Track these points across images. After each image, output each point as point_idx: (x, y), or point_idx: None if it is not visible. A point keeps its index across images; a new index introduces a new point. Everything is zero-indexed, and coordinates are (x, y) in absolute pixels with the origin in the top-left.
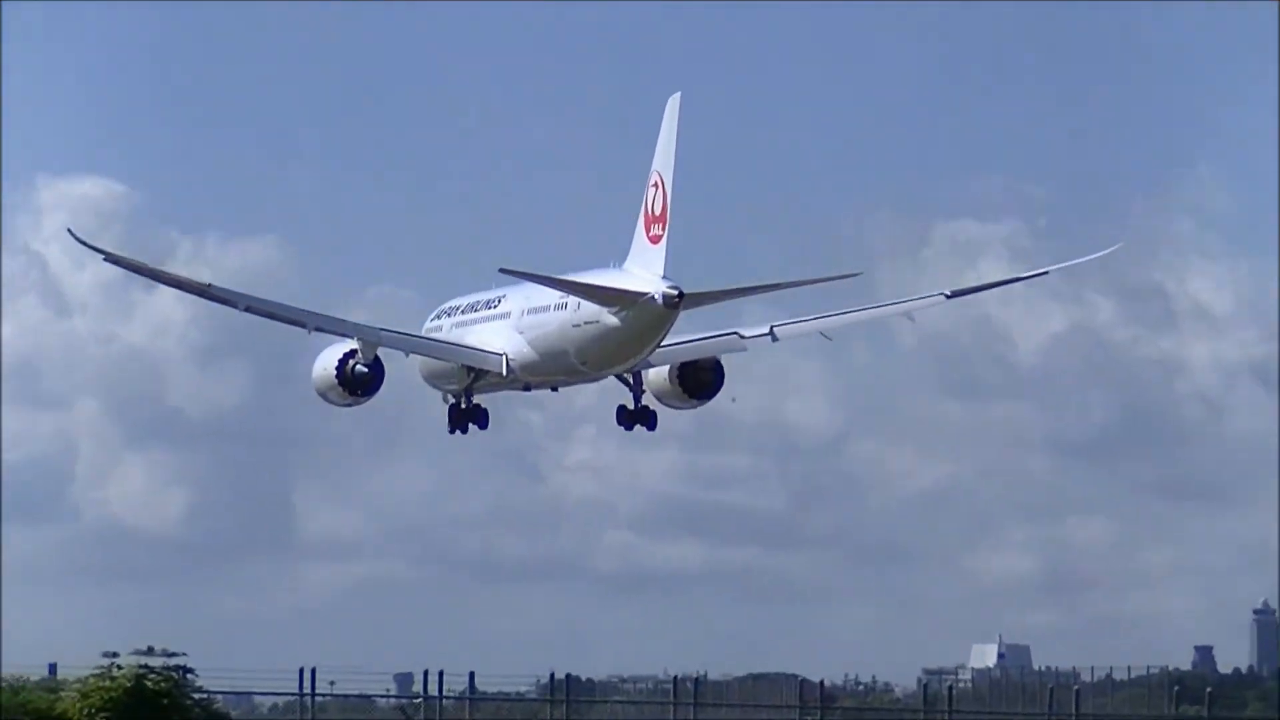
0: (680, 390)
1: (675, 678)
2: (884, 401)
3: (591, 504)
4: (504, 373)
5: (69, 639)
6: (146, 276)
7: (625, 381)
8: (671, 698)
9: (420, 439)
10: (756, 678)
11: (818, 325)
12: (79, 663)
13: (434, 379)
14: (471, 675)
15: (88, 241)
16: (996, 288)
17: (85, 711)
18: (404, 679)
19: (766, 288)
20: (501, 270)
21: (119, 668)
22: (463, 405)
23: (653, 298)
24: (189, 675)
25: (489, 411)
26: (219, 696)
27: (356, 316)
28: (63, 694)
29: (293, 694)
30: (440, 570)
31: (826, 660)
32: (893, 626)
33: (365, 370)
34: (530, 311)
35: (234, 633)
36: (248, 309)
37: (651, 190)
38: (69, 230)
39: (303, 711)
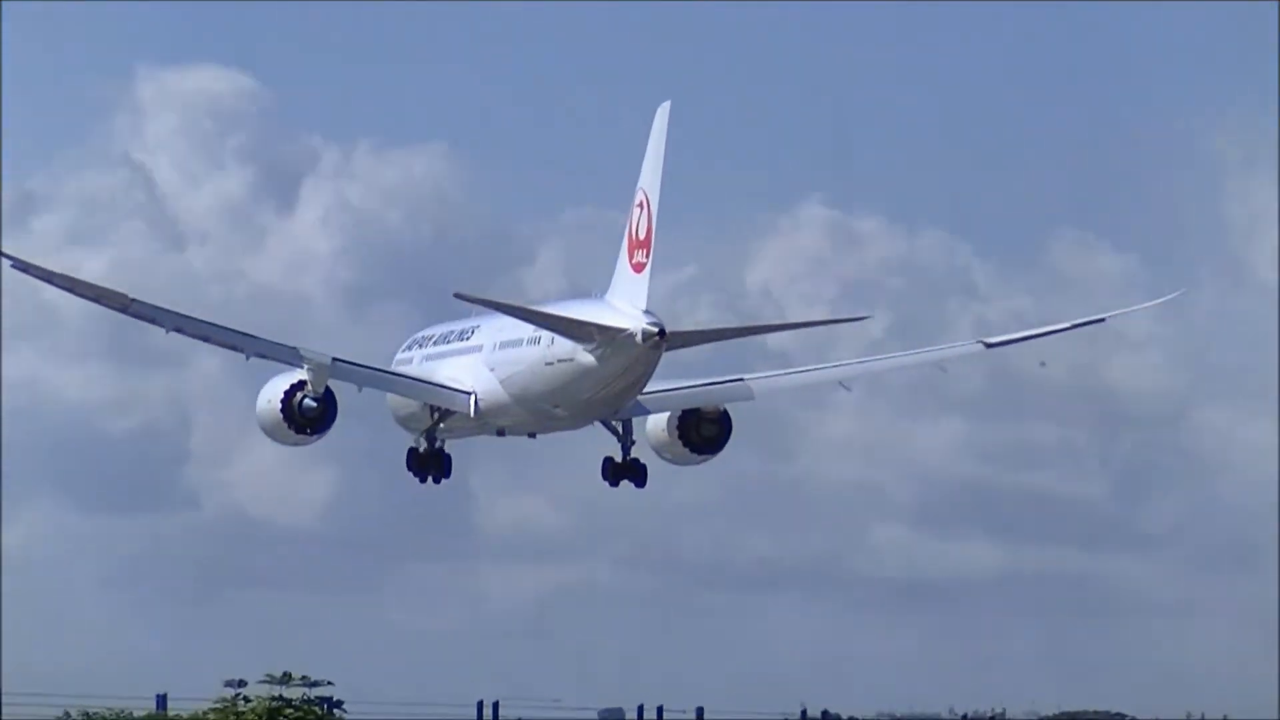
0: (680, 443)
1: (964, 716)
2: (1240, 357)
3: (855, 490)
4: (471, 414)
5: (183, 661)
6: (60, 287)
7: (614, 430)
8: None
9: None
10: (1072, 717)
11: (837, 374)
12: (196, 693)
13: (408, 422)
14: (700, 711)
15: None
16: (1039, 338)
17: None
18: (612, 715)
19: (761, 329)
20: (456, 295)
21: (246, 699)
22: (422, 449)
23: (631, 334)
24: (336, 709)
25: (452, 458)
26: None
27: (551, 245)
28: None
29: None
30: (657, 575)
31: (1163, 695)
32: (1254, 652)
33: (315, 405)
34: (502, 345)
35: (392, 654)
36: (176, 330)
37: (636, 211)
38: None
39: None
